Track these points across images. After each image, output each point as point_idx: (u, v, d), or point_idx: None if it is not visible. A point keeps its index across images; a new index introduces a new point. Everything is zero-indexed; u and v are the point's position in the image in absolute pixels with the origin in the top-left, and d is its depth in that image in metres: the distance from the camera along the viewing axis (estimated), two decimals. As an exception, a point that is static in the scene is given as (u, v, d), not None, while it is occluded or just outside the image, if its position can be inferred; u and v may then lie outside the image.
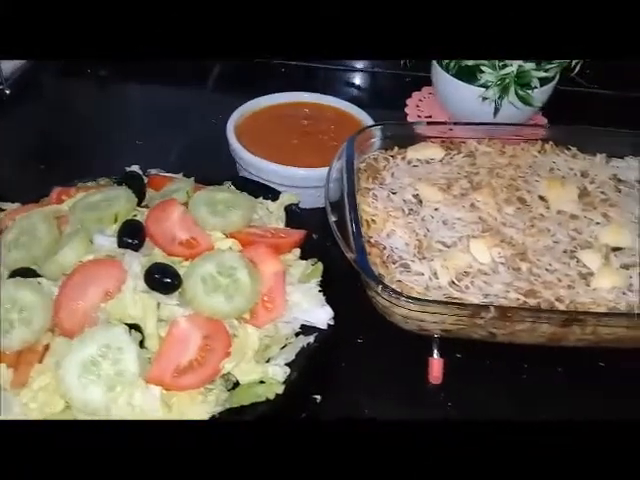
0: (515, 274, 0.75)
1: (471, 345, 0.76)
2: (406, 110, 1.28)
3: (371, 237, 0.79)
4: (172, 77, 1.27)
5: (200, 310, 0.71)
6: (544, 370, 0.78)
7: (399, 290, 0.70)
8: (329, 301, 0.77)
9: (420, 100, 1.32)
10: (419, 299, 0.68)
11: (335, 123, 1.07)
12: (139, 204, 0.85)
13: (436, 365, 0.74)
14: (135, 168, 0.96)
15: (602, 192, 0.87)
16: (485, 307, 0.67)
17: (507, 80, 1.03)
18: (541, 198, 0.86)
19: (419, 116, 1.29)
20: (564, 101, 1.19)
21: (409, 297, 0.68)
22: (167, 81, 1.29)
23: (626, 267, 0.77)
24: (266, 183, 0.96)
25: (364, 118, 1.08)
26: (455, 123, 1.03)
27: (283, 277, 0.76)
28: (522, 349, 0.75)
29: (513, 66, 1.03)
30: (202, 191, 0.85)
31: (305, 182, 0.97)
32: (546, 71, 1.05)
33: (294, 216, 0.89)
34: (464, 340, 0.74)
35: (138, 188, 0.88)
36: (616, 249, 0.79)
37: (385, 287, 0.68)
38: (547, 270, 0.75)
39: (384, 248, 0.77)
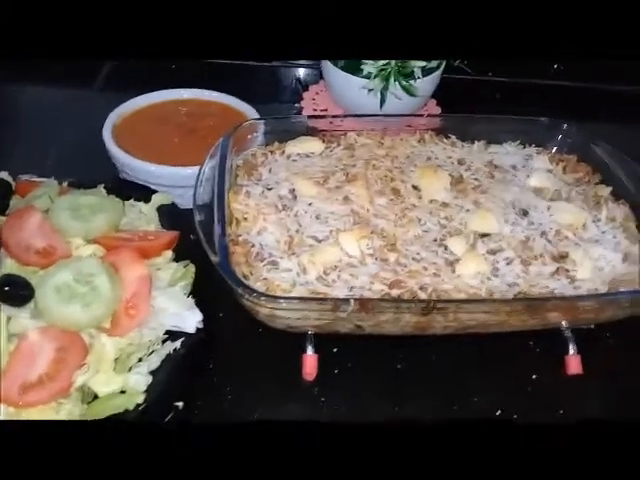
0: (382, 265, 0.75)
1: (348, 338, 0.76)
2: (302, 104, 1.27)
3: (240, 235, 0.77)
4: (57, 76, 1.22)
5: (54, 321, 0.68)
6: (419, 359, 0.78)
7: (259, 289, 0.69)
8: (201, 304, 0.75)
9: (317, 93, 1.31)
10: (276, 296, 0.67)
11: (219, 119, 1.05)
12: (3, 213, 0.81)
13: (309, 361, 0.73)
14: (3, 174, 0.91)
15: (475, 179, 0.89)
16: (344, 300, 0.67)
17: (388, 71, 1.04)
18: (414, 188, 0.86)
19: (314, 109, 1.28)
20: (458, 88, 1.22)
21: (266, 295, 0.67)
22: (50, 80, 1.23)
23: (492, 252, 0.78)
24: (145, 184, 0.93)
25: (250, 113, 1.06)
26: (334, 116, 1.03)
27: (148, 282, 0.74)
28: (398, 339, 0.76)
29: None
30: (65, 196, 0.81)
31: (185, 181, 0.93)
32: (428, 61, 1.06)
33: (170, 217, 0.86)
34: (342, 334, 0.74)
35: (2, 196, 0.84)
36: (484, 235, 0.80)
37: (245, 287, 0.67)
38: (414, 259, 0.76)
39: (253, 246, 0.76)
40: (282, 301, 0.67)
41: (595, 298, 0.72)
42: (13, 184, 0.88)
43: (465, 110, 1.17)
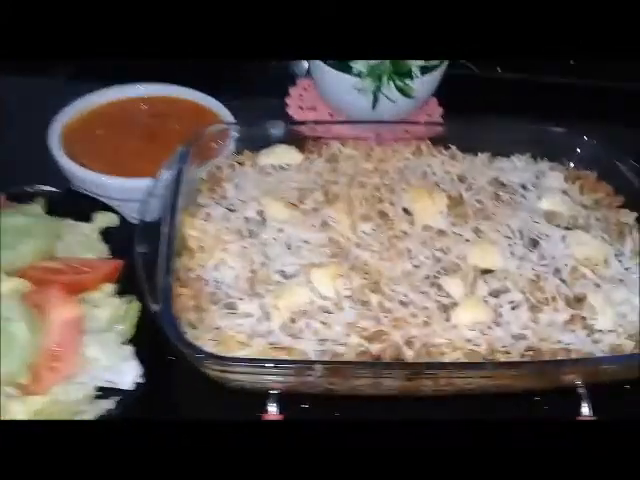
0: (362, 310, 0.62)
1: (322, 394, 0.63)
2: (287, 100, 1.14)
3: (191, 270, 0.64)
4: (4, 68, 1.07)
5: (-42, 377, 0.56)
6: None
7: (205, 346, 0.56)
8: (144, 352, 0.63)
9: (305, 89, 1.16)
10: (224, 358, 0.54)
11: (187, 121, 0.91)
12: None
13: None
14: None
15: (478, 201, 0.75)
16: (307, 364, 0.54)
17: (381, 69, 0.90)
18: (406, 211, 0.73)
19: (300, 107, 1.14)
20: (464, 87, 1.08)
21: (212, 357, 0.54)
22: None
23: (495, 294, 0.65)
24: (97, 197, 0.80)
25: (223, 113, 0.92)
26: (315, 122, 0.89)
27: (77, 326, 0.61)
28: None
29: (384, 54, 0.89)
30: (-13, 216, 0.68)
31: (142, 195, 0.81)
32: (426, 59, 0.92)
33: (117, 240, 0.74)
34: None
35: None
36: (486, 272, 0.68)
37: (187, 346, 0.54)
38: (401, 303, 0.63)
39: (206, 284, 0.63)
40: (232, 363, 0.54)
41: (618, 361, 0.60)
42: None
43: (470, 110, 1.05)
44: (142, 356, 0.62)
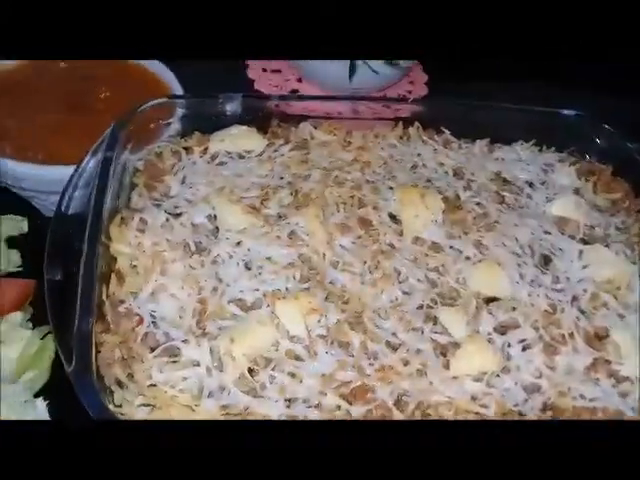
0: (341, 356, 0.49)
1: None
2: (248, 62, 0.96)
3: (121, 302, 0.50)
4: None
5: None
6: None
7: (136, 413, 0.42)
8: (59, 408, 0.49)
9: (270, 47, 1.00)
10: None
11: (123, 87, 0.74)
12: None
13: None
14: None
15: (478, 203, 0.62)
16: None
17: (361, 31, 0.74)
18: (393, 218, 0.59)
19: (264, 70, 0.98)
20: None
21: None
22: None
23: (503, 331, 0.53)
24: (8, 187, 0.63)
25: (167, 78, 0.75)
26: (282, 97, 0.74)
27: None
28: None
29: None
30: None
31: (61, 186, 0.64)
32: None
33: (31, 251, 0.58)
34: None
35: None
36: (491, 300, 0.55)
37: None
38: (389, 345, 0.50)
39: (140, 322, 0.49)
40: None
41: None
42: None
43: (460, 78, 0.90)
44: (58, 412, 0.48)
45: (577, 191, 0.67)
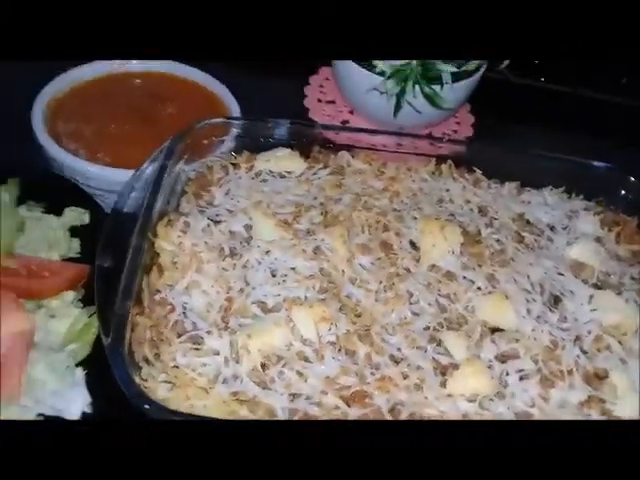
0: (346, 362, 0.54)
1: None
2: (306, 90, 1.04)
3: (158, 292, 0.56)
4: None
5: None
6: None
7: (156, 391, 0.48)
8: (99, 378, 0.55)
9: (327, 79, 1.07)
10: (170, 412, 0.47)
11: (189, 105, 0.82)
12: None
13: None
14: None
15: (497, 240, 0.66)
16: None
17: (407, 72, 0.80)
18: (413, 245, 0.64)
19: (319, 100, 1.05)
20: (499, 95, 0.97)
21: (158, 408, 0.46)
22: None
23: (503, 359, 0.56)
24: (77, 184, 0.72)
25: (228, 100, 0.83)
26: (324, 126, 0.80)
27: (26, 340, 0.54)
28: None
29: (413, 56, 0.79)
30: (-57, 199, 0.61)
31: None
32: (459, 65, 0.81)
33: (89, 238, 0.66)
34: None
35: None
36: (496, 330, 0.59)
37: (133, 393, 0.46)
38: (392, 358, 0.54)
39: (172, 310, 0.55)
40: (179, 418, 0.46)
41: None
42: None
43: (504, 121, 0.94)
44: (95, 383, 0.55)
45: (598, 239, 0.69)
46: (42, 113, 0.76)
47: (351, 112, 1.02)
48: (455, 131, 1.02)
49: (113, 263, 0.55)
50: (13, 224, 0.61)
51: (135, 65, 0.84)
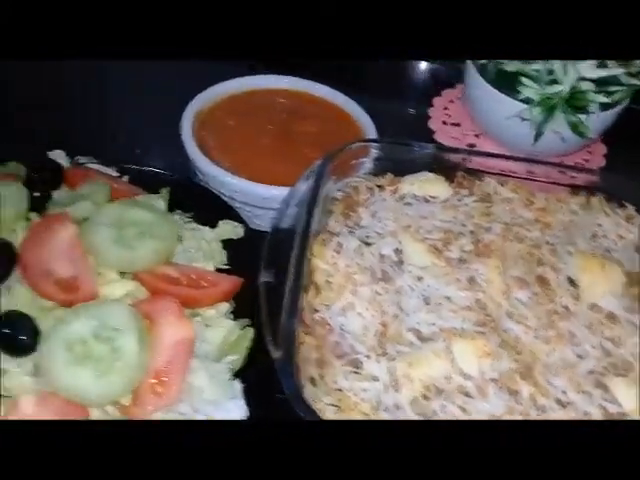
0: (510, 401, 0.52)
1: None
2: (430, 112, 1.03)
3: (317, 311, 0.56)
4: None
5: (57, 388, 0.51)
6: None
7: (322, 411, 0.48)
8: (254, 388, 0.56)
9: (451, 101, 1.05)
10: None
11: (324, 123, 0.83)
12: (42, 207, 0.64)
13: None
14: (58, 154, 0.75)
15: (660, 282, 0.63)
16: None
17: (554, 101, 0.77)
18: (571, 282, 0.61)
19: (444, 122, 1.03)
20: (629, 125, 0.93)
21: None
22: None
23: (675, 412, 0.53)
24: (221, 196, 0.74)
25: (363, 120, 0.83)
26: (471, 152, 0.78)
27: (188, 348, 0.55)
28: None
29: (564, 84, 0.76)
30: (111, 205, 0.63)
31: (267, 203, 0.74)
32: (609, 95, 0.78)
33: (239, 252, 0.67)
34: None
35: (47, 181, 0.68)
36: (666, 380, 0.55)
37: (306, 409, 0.46)
38: (558, 402, 0.52)
39: (331, 330, 0.55)
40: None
41: None
42: (67, 166, 0.72)
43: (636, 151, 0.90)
44: (249, 393, 0.56)
45: None
46: (191, 124, 0.79)
47: (477, 135, 1.00)
48: (586, 160, 0.99)
49: (276, 279, 0.56)
50: (174, 231, 0.63)
51: (275, 81, 0.86)
